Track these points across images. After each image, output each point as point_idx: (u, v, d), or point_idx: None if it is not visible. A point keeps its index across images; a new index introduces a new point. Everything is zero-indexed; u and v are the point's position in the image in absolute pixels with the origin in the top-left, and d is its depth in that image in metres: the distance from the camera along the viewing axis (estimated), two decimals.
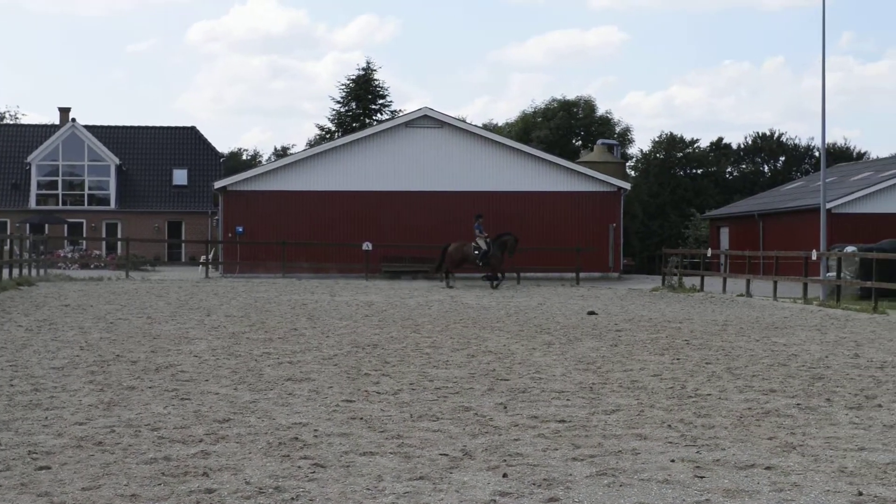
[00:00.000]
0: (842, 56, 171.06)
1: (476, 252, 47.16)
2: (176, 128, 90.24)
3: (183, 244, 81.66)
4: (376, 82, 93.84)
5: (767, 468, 10.34)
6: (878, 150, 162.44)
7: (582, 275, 54.69)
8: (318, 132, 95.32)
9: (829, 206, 51.03)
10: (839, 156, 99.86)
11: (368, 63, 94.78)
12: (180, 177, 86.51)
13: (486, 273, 48.35)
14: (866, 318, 30.24)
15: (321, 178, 57.70)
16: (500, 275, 47.23)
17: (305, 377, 16.34)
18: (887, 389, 15.76)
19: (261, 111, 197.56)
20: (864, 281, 37.81)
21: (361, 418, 12.84)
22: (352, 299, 36.29)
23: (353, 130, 79.40)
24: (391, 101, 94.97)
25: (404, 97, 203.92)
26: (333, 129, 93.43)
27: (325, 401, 14.13)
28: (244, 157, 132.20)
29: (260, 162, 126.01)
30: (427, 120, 58.60)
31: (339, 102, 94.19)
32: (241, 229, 57.26)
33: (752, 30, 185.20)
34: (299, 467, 10.14)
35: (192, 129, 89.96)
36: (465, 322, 27.32)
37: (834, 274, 40.92)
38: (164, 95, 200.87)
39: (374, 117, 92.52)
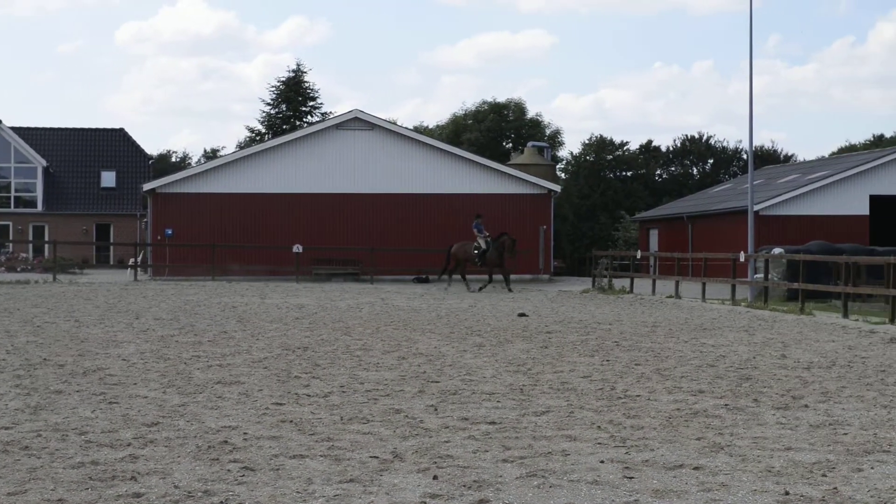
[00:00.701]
0: (769, 60, 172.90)
1: (476, 252, 46.96)
2: (104, 129, 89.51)
3: (111, 247, 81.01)
4: (306, 84, 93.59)
5: (696, 468, 10.41)
6: (804, 153, 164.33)
7: (513, 277, 54.82)
8: (249, 134, 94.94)
9: (756, 208, 51.46)
10: (767, 158, 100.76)
11: (299, 65, 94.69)
12: (108, 179, 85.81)
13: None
14: (793, 320, 30.54)
15: (251, 181, 57.44)
16: (488, 277, 47.37)
17: (235, 380, 16.26)
18: (814, 390, 15.93)
19: (190, 113, 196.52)
20: (791, 282, 38.18)
21: (291, 421, 12.79)
22: (282, 302, 36.16)
23: (284, 132, 79.14)
24: (322, 104, 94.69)
25: (335, 99, 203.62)
26: (264, 131, 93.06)
27: (254, 404, 14.07)
28: (173, 160, 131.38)
29: (189, 164, 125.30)
30: (358, 122, 58.49)
31: (269, 104, 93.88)
32: (170, 232, 56.87)
33: (682, 33, 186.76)
34: (228, 471, 10.09)
35: (121, 130, 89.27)
36: (395, 324, 27.30)
37: (761, 275, 41.28)
38: (93, 97, 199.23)
39: (304, 119, 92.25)
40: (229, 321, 27.69)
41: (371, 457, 10.81)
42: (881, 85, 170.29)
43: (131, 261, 57.18)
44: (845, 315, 30.94)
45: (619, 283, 49.09)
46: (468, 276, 49.02)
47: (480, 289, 46.08)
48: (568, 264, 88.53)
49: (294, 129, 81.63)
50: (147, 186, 58.25)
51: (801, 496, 9.39)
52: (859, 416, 13.60)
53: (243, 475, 9.94)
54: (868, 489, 9.66)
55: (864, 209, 58.56)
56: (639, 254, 55.44)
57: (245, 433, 11.98)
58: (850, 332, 26.06)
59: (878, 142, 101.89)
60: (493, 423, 12.85)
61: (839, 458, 10.93)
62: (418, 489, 9.51)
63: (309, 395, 14.86)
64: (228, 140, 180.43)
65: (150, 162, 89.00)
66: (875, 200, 58.93)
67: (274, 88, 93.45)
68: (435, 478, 9.90)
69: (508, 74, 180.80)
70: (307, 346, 21.42)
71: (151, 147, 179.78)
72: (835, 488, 9.66)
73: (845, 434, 12.31)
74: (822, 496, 9.39)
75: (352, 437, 11.88)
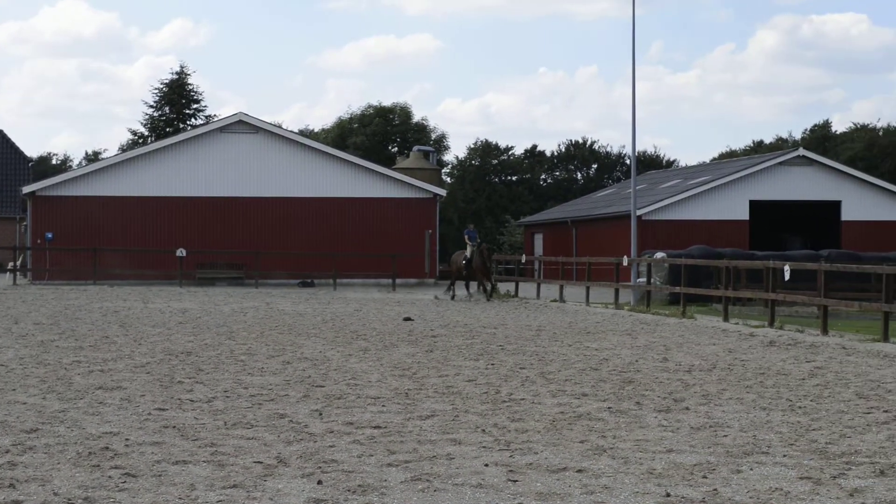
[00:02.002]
0: (652, 66, 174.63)
1: (464, 261, 45.50)
2: None
3: None
4: (190, 87, 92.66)
5: (579, 471, 10.49)
6: (686, 158, 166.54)
7: (398, 281, 54.84)
8: (131, 137, 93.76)
9: (639, 213, 52.05)
10: (650, 164, 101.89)
11: (182, 67, 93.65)
12: None
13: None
14: (675, 323, 30.92)
15: (134, 184, 56.79)
16: (478, 286, 45.60)
17: (117, 385, 16.07)
18: (695, 392, 16.14)
19: (71, 115, 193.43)
20: (673, 286, 38.69)
21: (174, 427, 12.67)
22: (165, 306, 35.80)
23: (167, 135, 78.25)
24: (206, 106, 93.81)
25: (220, 102, 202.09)
26: (147, 133, 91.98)
27: (136, 409, 13.91)
28: (54, 162, 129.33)
29: (70, 167, 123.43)
30: (242, 125, 58.12)
31: (152, 107, 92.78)
32: (50, 235, 56.00)
33: (567, 39, 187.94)
34: (110, 477, 9.97)
35: None
36: (280, 329, 27.17)
37: (644, 279, 41.75)
38: None
39: (188, 122, 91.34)
40: (111, 326, 27.36)
41: (255, 462, 10.74)
42: (761, 92, 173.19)
43: (10, 265, 56.17)
44: (726, 318, 31.40)
45: (504, 286, 49.31)
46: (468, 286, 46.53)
47: (452, 297, 44.16)
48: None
49: (177, 131, 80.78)
50: (26, 189, 57.34)
51: (682, 498, 9.51)
52: (739, 418, 13.80)
53: (125, 481, 9.82)
54: (747, 490, 9.81)
55: (744, 214, 59.59)
56: (524, 258, 55.80)
57: (127, 439, 11.84)
58: (730, 336, 26.44)
59: (758, 148, 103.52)
60: (378, 427, 12.84)
61: (719, 460, 11.08)
62: (303, 494, 9.48)
63: (192, 401, 14.73)
64: (111, 143, 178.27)
65: (30, 164, 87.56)
66: (755, 205, 59.98)
67: (157, 91, 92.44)
68: (319, 483, 9.87)
69: (395, 78, 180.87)
70: (191, 351, 21.24)
71: (31, 149, 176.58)
72: (715, 489, 9.80)
73: (725, 436, 12.49)
74: (703, 497, 9.52)
75: (235, 442, 11.80)
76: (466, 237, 46.02)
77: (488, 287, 44.63)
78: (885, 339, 24.36)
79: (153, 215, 56.72)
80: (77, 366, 18.52)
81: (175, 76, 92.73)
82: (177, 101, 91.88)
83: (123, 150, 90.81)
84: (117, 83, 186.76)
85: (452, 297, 44.01)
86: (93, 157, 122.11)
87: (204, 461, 10.75)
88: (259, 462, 10.74)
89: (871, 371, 19.04)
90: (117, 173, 57.01)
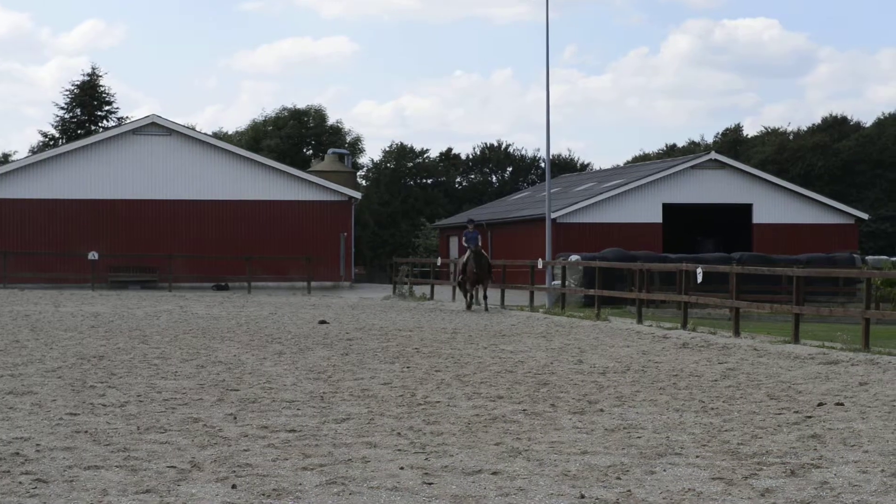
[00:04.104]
0: (567, 69, 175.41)
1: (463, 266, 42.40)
2: None
3: None
4: (102, 88, 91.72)
5: (494, 473, 10.52)
6: (601, 162, 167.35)
7: (314, 284, 54.64)
8: (42, 139, 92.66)
9: (554, 215, 52.34)
10: (564, 167, 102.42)
11: (94, 69, 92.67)
12: None
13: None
14: (590, 325, 31.10)
15: (45, 186, 56.11)
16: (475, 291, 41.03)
17: (27, 390, 15.87)
18: (609, 394, 16.24)
19: None
20: (588, 289, 38.93)
21: (86, 431, 12.54)
22: (77, 310, 35.42)
23: (79, 137, 77.44)
24: (118, 108, 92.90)
25: (133, 104, 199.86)
26: (58, 135, 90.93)
27: (48, 414, 13.75)
28: None
29: None
30: (155, 127, 57.65)
31: (63, 108, 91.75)
32: None
33: (482, 42, 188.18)
34: (20, 483, 9.85)
35: None
36: (194, 332, 26.99)
37: (559, 282, 41.96)
38: None
39: (100, 124, 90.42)
40: (21, 330, 27.02)
41: (168, 466, 10.66)
42: (673, 96, 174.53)
43: None
44: (639, 321, 31.63)
45: (419, 290, 49.35)
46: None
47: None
48: (369, 271, 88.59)
49: (89, 133, 79.97)
50: None
51: (597, 499, 9.57)
52: (652, 419, 13.91)
53: (35, 487, 9.71)
54: (660, 491, 9.89)
55: (657, 217, 60.12)
56: (439, 261, 55.84)
57: (38, 444, 11.69)
58: (643, 338, 26.65)
59: (671, 151, 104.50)
60: (292, 430, 12.79)
61: (633, 461, 11.16)
62: (217, 499, 9.43)
63: (105, 405, 14.59)
64: (20, 145, 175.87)
65: None
66: (668, 209, 60.52)
67: (68, 92, 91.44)
68: (234, 487, 9.82)
69: (310, 81, 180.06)
70: (103, 355, 21.03)
71: None
72: (628, 491, 9.87)
73: (639, 437, 12.58)
74: (617, 498, 9.58)
75: (149, 446, 11.70)
76: (465, 240, 40.80)
77: (480, 295, 39.97)
78: (796, 340, 24.67)
79: (65, 218, 56.08)
80: None
81: (87, 77, 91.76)
82: (88, 102, 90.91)
83: (34, 152, 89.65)
84: (28, 84, 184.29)
85: (469, 307, 39.24)
86: (2, 160, 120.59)
87: (116, 466, 10.65)
88: (172, 467, 10.66)
89: (782, 372, 19.27)
90: (28, 176, 56.30)
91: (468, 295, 39.64)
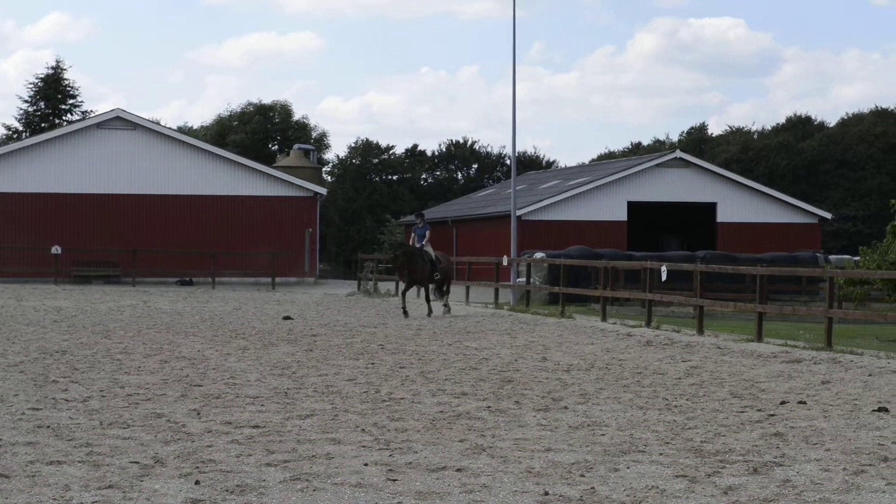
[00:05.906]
0: (533, 66, 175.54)
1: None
2: None
3: None
4: (66, 82, 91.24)
5: (458, 470, 10.53)
6: (566, 159, 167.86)
7: (278, 279, 54.51)
8: (5, 132, 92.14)
9: (519, 213, 52.36)
10: (530, 164, 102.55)
11: (58, 62, 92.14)
12: None
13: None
14: (554, 323, 31.14)
15: (8, 180, 55.70)
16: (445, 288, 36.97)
17: None
18: (573, 392, 16.27)
19: None
20: (553, 286, 38.97)
21: (48, 426, 12.48)
22: (40, 304, 35.24)
23: (42, 131, 77.01)
24: (83, 102, 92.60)
25: (98, 98, 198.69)
26: (21, 129, 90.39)
27: (10, 409, 13.68)
28: None
29: None
30: (120, 121, 57.36)
31: (27, 102, 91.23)
32: None
33: (448, 38, 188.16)
34: None
35: None
36: (157, 327, 26.89)
37: (524, 279, 42.00)
38: None
39: (64, 118, 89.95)
40: None
41: (131, 462, 10.62)
42: (639, 94, 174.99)
43: None
44: (604, 318, 31.70)
45: (384, 286, 49.30)
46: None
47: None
48: (334, 267, 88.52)
49: (53, 127, 79.52)
50: None
51: (560, 496, 9.59)
52: (616, 417, 13.95)
53: None
54: (624, 488, 9.91)
55: (622, 215, 60.21)
56: None
57: None
58: (608, 335, 26.70)
59: (636, 149, 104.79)
60: (256, 426, 12.76)
61: (597, 459, 11.19)
62: (180, 494, 9.40)
63: (67, 400, 14.52)
64: None
65: None
66: (633, 207, 60.64)
67: (32, 85, 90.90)
68: (197, 483, 9.79)
69: (275, 76, 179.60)
70: (66, 350, 20.93)
71: None
72: (592, 488, 9.89)
73: (603, 435, 12.61)
74: (581, 496, 9.60)
75: (111, 442, 11.65)
76: (414, 235, 36.50)
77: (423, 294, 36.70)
78: (759, 338, 24.77)
79: (28, 212, 55.71)
80: None
81: (51, 71, 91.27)
82: (52, 95, 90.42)
83: None
84: None
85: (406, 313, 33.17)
86: None
87: (79, 461, 10.60)
88: (135, 462, 10.62)
89: (745, 371, 19.35)
90: None
91: (404, 297, 34.22)
